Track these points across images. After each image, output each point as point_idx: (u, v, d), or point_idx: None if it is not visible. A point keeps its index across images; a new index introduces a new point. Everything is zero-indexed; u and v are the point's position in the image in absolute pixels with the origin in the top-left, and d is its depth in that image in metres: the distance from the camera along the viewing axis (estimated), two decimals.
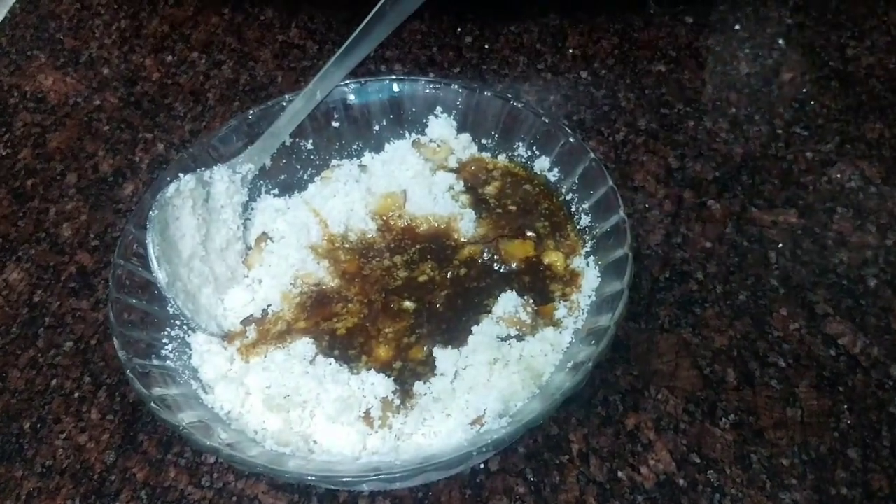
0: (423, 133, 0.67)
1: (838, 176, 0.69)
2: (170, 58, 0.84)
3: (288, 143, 0.66)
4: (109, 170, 0.75)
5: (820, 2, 0.83)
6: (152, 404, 0.49)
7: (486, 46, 0.82)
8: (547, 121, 0.63)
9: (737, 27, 0.82)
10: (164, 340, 0.56)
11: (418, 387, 0.54)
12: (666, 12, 0.83)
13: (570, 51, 0.81)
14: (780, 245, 0.65)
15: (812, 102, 0.75)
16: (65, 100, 0.81)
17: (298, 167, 0.67)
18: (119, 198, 0.73)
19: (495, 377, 0.54)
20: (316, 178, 0.67)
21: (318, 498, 0.55)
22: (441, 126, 0.67)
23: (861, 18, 0.81)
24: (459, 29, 0.84)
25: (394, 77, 0.67)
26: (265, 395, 0.54)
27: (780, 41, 0.80)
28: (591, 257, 0.59)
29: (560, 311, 0.57)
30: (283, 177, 0.66)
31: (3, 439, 0.59)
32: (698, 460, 0.55)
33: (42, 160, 0.76)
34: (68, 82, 0.83)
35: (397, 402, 0.53)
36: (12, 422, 0.60)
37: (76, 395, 0.61)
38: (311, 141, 0.67)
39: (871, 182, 0.69)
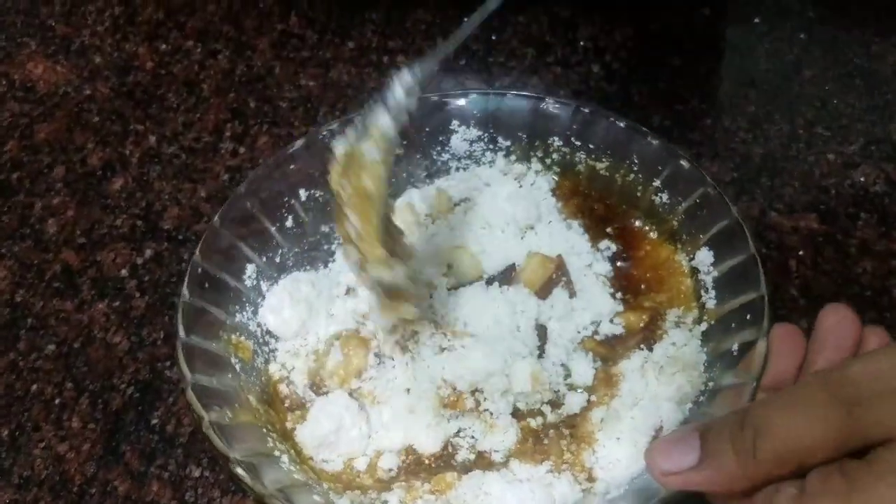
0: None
1: (862, 179, 0.66)
2: (164, 46, 0.80)
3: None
4: (98, 163, 0.72)
5: None
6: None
7: (493, 37, 0.78)
8: (586, 110, 0.60)
9: (756, 20, 0.78)
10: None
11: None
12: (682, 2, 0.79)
13: (581, 43, 0.77)
14: (801, 252, 0.62)
15: (835, 101, 0.71)
16: (54, 89, 0.78)
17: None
18: (107, 193, 0.70)
19: (652, 385, 0.49)
20: None
21: None
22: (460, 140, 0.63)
23: (886, 14, 0.77)
24: (465, 19, 0.80)
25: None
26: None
27: (802, 35, 0.76)
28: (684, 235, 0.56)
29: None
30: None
31: None
32: None
33: (29, 152, 0.73)
34: (59, 71, 0.80)
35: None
36: None
37: (57, 401, 0.58)
38: None
39: None
